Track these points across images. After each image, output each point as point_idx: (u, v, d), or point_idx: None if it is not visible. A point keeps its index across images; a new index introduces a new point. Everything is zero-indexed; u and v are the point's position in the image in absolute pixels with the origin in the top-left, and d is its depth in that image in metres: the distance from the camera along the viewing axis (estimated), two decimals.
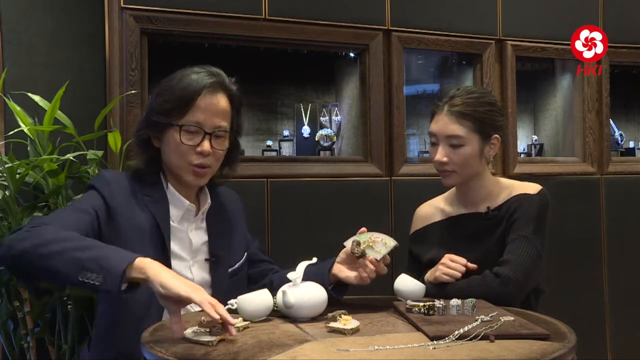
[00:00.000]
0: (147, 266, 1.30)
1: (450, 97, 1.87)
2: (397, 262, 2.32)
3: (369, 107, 2.59)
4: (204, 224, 1.73)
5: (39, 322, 2.08)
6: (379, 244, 1.60)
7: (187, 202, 1.68)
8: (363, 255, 1.58)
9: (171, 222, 1.66)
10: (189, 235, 1.69)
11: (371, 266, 1.59)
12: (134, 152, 1.78)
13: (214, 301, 1.29)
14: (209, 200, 1.74)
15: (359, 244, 1.58)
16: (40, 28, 2.35)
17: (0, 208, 1.98)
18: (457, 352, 1.19)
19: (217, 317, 1.25)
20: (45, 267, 1.36)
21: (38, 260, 1.35)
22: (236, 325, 1.37)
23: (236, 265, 1.76)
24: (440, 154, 1.84)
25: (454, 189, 1.98)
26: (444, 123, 1.84)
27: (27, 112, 2.11)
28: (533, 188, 1.87)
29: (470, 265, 1.76)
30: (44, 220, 1.48)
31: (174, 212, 1.67)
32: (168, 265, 1.59)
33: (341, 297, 1.65)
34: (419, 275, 1.91)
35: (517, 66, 2.81)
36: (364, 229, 1.64)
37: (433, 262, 1.86)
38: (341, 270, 1.63)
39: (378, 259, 1.59)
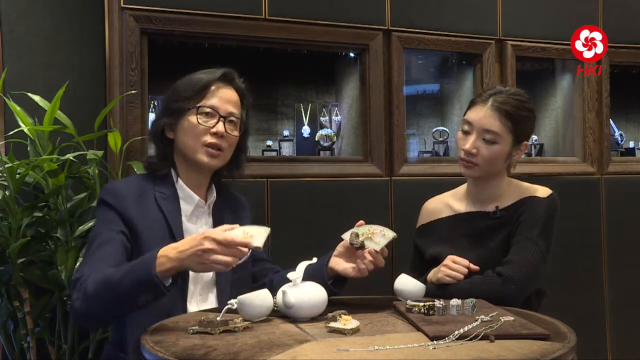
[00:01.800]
0: (162, 264, 1.43)
1: (497, 92, 1.85)
2: (398, 261, 2.33)
3: (369, 107, 2.58)
4: (210, 219, 1.77)
5: (39, 322, 2.08)
6: (377, 236, 1.60)
7: (197, 198, 1.73)
8: (362, 246, 1.58)
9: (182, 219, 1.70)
10: (199, 230, 1.71)
11: (369, 257, 1.59)
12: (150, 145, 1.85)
13: (220, 241, 1.41)
14: (215, 194, 1.79)
15: (357, 235, 1.59)
16: (40, 28, 2.36)
17: (0, 208, 1.98)
18: (457, 352, 1.19)
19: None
20: (116, 314, 1.55)
21: (109, 316, 1.56)
22: (236, 325, 1.38)
23: (240, 261, 1.77)
24: (471, 145, 1.82)
25: (464, 185, 1.98)
26: (485, 115, 1.82)
27: (27, 112, 2.11)
28: (543, 192, 1.87)
29: (472, 266, 1.76)
30: (86, 271, 1.53)
31: (185, 207, 1.71)
32: None
33: (340, 292, 1.65)
34: (422, 269, 1.91)
35: (517, 66, 2.81)
36: (362, 221, 1.64)
37: (436, 258, 1.86)
38: (338, 263, 1.64)
39: (377, 250, 1.59)
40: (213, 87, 1.72)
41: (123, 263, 1.55)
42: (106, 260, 1.54)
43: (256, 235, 1.47)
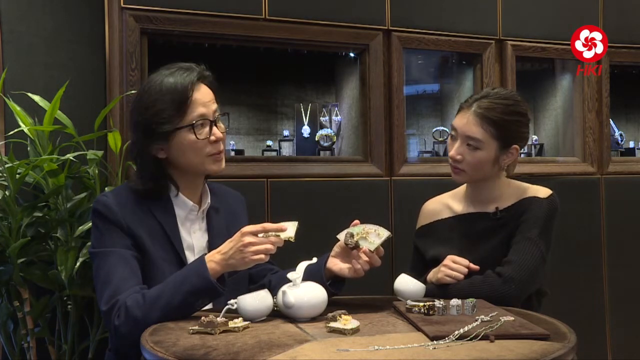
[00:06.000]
0: (212, 269, 1.50)
1: (482, 96, 1.83)
2: (398, 261, 2.32)
3: (369, 107, 2.59)
4: (204, 223, 1.74)
5: (39, 322, 2.08)
6: (372, 235, 1.60)
7: (191, 203, 1.70)
8: (357, 246, 1.58)
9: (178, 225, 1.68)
10: (192, 236, 1.70)
11: (364, 257, 1.59)
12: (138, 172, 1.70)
13: (257, 231, 1.50)
14: (209, 200, 1.75)
15: (352, 235, 1.59)
16: (40, 28, 2.36)
17: (0, 208, 1.98)
18: (457, 352, 1.19)
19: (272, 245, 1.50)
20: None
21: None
22: (236, 325, 1.38)
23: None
24: (456, 151, 1.82)
25: (464, 186, 1.98)
26: (467, 122, 1.80)
27: (27, 112, 2.11)
28: (543, 192, 1.86)
29: (472, 266, 1.76)
30: (121, 297, 1.50)
31: (178, 213, 1.69)
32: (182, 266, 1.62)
33: (338, 292, 1.65)
34: (422, 270, 1.91)
35: (517, 66, 2.81)
36: (357, 221, 1.64)
37: (437, 259, 1.86)
38: (335, 264, 1.63)
39: (372, 249, 1.58)
40: (192, 95, 1.61)
41: (140, 278, 1.56)
42: (130, 279, 1.53)
43: (287, 227, 1.54)
